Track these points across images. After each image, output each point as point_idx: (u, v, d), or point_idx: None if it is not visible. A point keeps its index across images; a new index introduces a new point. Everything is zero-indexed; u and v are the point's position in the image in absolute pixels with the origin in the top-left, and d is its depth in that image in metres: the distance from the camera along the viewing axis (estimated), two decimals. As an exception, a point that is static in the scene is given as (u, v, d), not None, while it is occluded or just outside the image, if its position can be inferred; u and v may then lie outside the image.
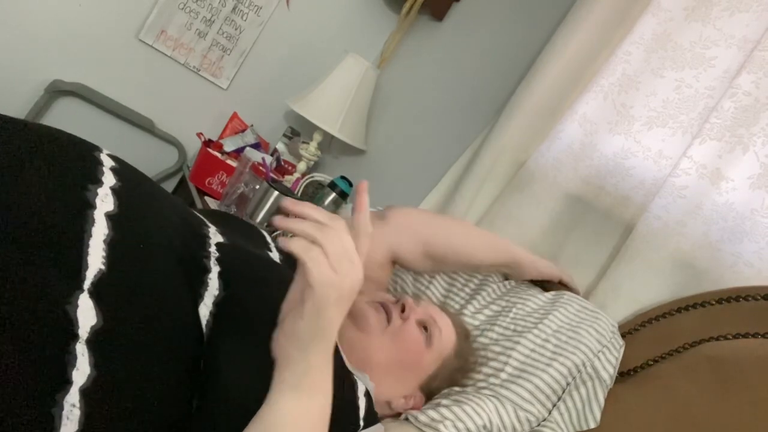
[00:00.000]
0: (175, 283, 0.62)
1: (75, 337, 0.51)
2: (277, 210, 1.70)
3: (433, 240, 1.14)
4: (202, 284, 0.65)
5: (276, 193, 1.68)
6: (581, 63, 1.46)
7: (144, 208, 0.66)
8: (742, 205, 1.10)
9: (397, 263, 1.16)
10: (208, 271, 0.67)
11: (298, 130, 2.24)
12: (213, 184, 2.00)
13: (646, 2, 1.37)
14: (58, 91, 1.90)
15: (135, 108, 2.05)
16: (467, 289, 1.22)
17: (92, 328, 0.52)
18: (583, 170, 1.36)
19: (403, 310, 0.92)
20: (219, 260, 0.69)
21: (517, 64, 1.72)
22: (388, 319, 0.91)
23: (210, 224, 0.77)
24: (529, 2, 1.81)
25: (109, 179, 0.64)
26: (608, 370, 1.01)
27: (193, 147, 2.19)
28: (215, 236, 0.74)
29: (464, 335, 1.02)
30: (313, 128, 2.07)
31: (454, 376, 0.98)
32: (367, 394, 0.79)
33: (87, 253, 0.55)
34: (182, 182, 2.18)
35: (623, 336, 1.09)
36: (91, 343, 0.51)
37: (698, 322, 1.01)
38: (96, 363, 0.51)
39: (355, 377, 0.78)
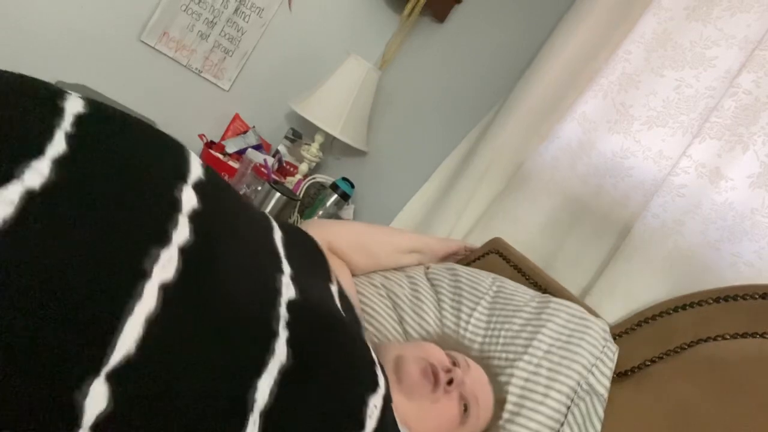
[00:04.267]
0: (224, 359, 0.56)
1: (76, 427, 0.46)
2: (280, 211, 1.70)
3: (361, 234, 1.25)
4: (267, 351, 0.59)
5: (278, 194, 1.68)
6: (581, 62, 1.46)
7: (212, 267, 0.58)
8: (741, 205, 1.09)
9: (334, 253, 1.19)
10: (276, 336, 0.61)
11: (300, 131, 2.24)
12: (214, 185, 2.00)
13: (646, 1, 1.36)
14: (60, 92, 1.91)
15: (137, 109, 2.05)
16: (453, 306, 1.17)
17: (99, 414, 0.46)
18: (582, 169, 1.36)
19: (450, 382, 0.87)
20: (289, 324, 0.63)
21: (518, 65, 1.71)
22: (434, 388, 0.86)
23: (284, 265, 0.71)
24: (530, 4, 1.80)
25: (181, 234, 0.56)
26: (603, 383, 1.00)
27: (194, 148, 2.19)
28: (287, 289, 0.67)
29: (498, 411, 0.99)
30: (314, 129, 2.07)
31: None
32: None
33: (121, 333, 0.48)
34: (184, 183, 2.18)
35: (620, 335, 1.08)
36: (95, 429, 0.46)
37: (695, 321, 1.00)
38: None
39: None
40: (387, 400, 0.71)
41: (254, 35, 2.13)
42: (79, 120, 0.56)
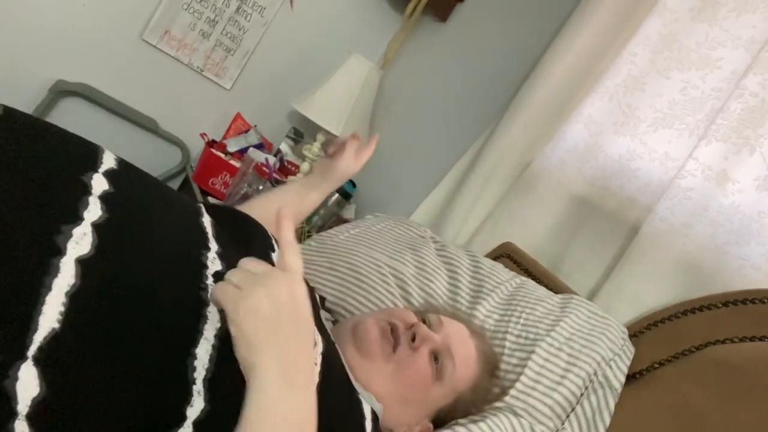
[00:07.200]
0: (155, 329, 0.55)
1: (13, 414, 0.45)
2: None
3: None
4: (199, 319, 0.59)
5: (279, 193, 1.67)
6: (586, 64, 1.46)
7: (131, 241, 0.59)
8: (748, 207, 1.09)
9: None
10: (206, 304, 0.61)
11: (302, 130, 2.24)
12: (216, 185, 2.00)
13: (651, 3, 1.36)
14: (62, 91, 1.90)
15: (139, 108, 2.04)
16: (472, 287, 1.19)
17: (33, 400, 0.46)
18: (588, 172, 1.36)
19: (413, 339, 0.83)
20: None
21: (521, 64, 1.71)
22: (394, 348, 0.82)
23: (211, 243, 0.71)
24: (533, 3, 1.80)
25: (93, 212, 0.57)
26: (619, 378, 1.00)
27: (196, 147, 2.19)
28: (213, 263, 0.68)
29: (490, 368, 0.94)
30: (316, 129, 2.07)
31: (469, 409, 0.90)
32: (374, 417, 0.74)
33: (40, 312, 0.48)
34: (186, 183, 2.17)
35: (629, 338, 1.08)
36: (32, 417, 0.46)
37: (704, 324, 1.01)
38: None
39: (361, 397, 0.74)
40: (326, 356, 0.70)
41: (256, 34, 2.12)
42: None
